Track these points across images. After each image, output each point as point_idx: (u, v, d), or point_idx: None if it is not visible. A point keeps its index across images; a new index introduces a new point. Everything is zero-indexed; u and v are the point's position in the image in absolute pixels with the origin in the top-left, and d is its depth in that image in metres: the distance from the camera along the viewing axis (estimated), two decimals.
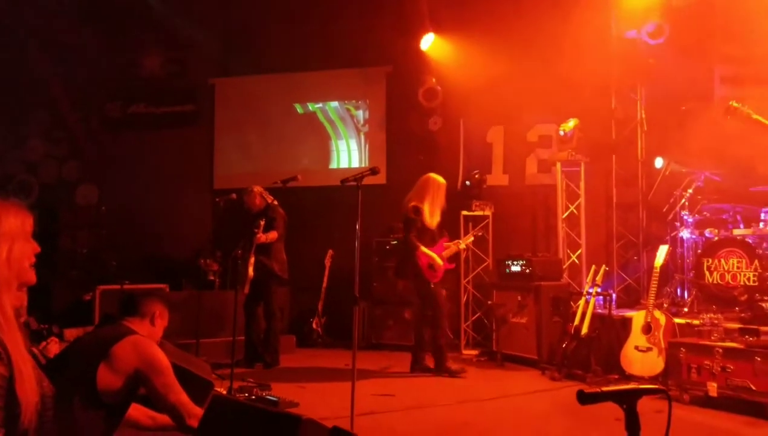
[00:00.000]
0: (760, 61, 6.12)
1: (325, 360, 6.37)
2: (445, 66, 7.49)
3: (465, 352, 6.87)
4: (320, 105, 8.40)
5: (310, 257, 7.45)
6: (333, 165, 8.28)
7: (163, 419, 2.96)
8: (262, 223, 5.71)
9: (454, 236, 7.29)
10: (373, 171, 3.94)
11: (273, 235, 5.91)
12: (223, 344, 5.98)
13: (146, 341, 2.83)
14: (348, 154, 8.26)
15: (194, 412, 2.81)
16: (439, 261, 5.63)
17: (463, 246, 6.19)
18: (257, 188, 6.12)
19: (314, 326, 7.37)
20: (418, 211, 5.65)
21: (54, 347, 3.42)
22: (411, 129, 7.74)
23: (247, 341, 6.10)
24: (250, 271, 5.68)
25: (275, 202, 6.11)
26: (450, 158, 7.65)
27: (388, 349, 6.86)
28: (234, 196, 5.80)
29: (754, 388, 4.09)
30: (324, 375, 5.57)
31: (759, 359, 4.07)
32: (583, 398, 1.38)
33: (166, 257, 7.99)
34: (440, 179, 5.84)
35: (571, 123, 6.55)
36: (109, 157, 8.58)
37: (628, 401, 1.39)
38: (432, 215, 5.70)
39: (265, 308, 6.07)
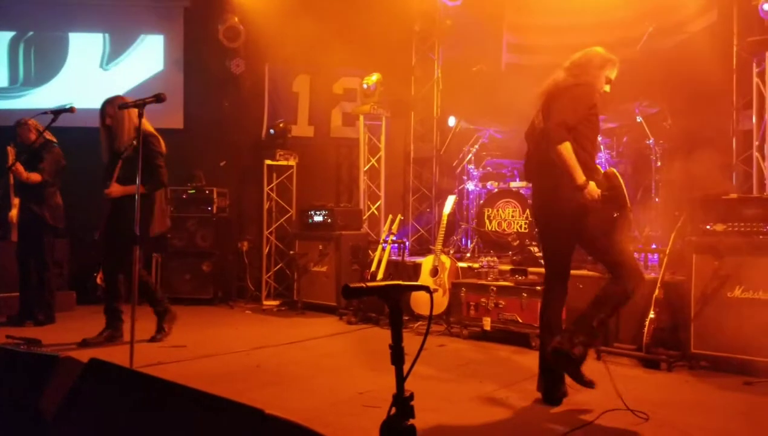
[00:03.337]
0: (542, 32, 6.78)
1: None
2: (249, 4, 7.11)
3: (266, 303, 6.81)
4: (106, 35, 7.50)
5: (95, 207, 6.70)
6: None
7: None
8: (11, 151, 4.95)
9: (258, 184, 7.14)
10: (157, 98, 3.59)
11: (35, 176, 5.18)
12: None
13: None
14: (142, 93, 7.52)
15: None
16: None
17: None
18: (32, 121, 5.33)
19: (98, 281, 6.68)
20: None
21: None
22: (211, 71, 7.26)
23: (21, 297, 5.40)
24: (13, 214, 4.92)
25: (54, 141, 5.37)
26: (254, 105, 7.38)
27: (184, 303, 6.49)
28: None
29: (521, 321, 4.63)
30: None
31: (525, 295, 4.62)
32: (347, 293, 1.38)
33: None
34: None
35: (374, 77, 6.72)
36: None
37: (391, 296, 1.42)
38: None
39: (36, 260, 5.37)
